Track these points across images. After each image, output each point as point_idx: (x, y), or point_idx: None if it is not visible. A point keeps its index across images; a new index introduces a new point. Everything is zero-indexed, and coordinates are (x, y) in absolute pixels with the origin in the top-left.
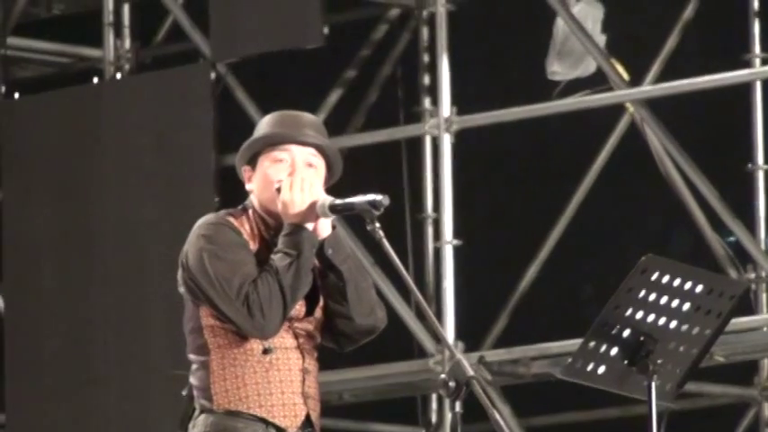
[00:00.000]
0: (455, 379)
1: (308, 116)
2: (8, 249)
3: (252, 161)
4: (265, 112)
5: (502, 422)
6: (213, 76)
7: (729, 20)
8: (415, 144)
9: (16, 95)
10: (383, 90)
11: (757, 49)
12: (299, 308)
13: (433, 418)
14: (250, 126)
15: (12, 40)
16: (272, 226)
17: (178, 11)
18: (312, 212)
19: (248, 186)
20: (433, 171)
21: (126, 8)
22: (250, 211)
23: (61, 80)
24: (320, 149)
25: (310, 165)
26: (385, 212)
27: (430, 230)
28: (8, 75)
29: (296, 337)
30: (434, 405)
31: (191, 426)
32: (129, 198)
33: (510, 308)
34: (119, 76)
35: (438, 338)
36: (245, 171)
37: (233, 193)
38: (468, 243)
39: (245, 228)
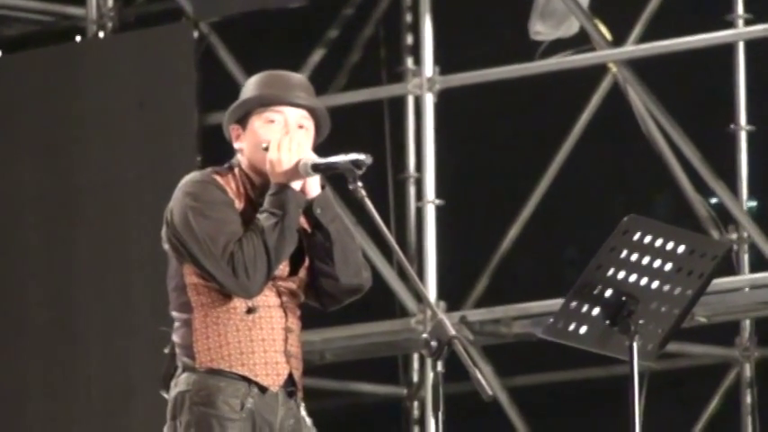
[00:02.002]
0: (437, 338)
1: (297, 77)
2: None
3: (242, 120)
4: (248, 71)
5: (483, 381)
6: (196, 34)
7: None
8: (398, 104)
9: None
10: (366, 49)
11: (740, 9)
12: (283, 267)
13: (415, 378)
14: (233, 85)
15: None
16: (257, 185)
17: None
18: (297, 172)
19: (236, 145)
20: (415, 131)
21: None
22: (236, 170)
23: (44, 38)
24: (311, 111)
25: (301, 126)
26: (367, 172)
27: (412, 190)
28: None
29: (279, 295)
30: (416, 365)
31: (173, 384)
32: (111, 156)
33: (492, 268)
34: (101, 34)
35: (420, 298)
36: (233, 129)
37: (216, 152)
38: (450, 203)
39: (230, 186)
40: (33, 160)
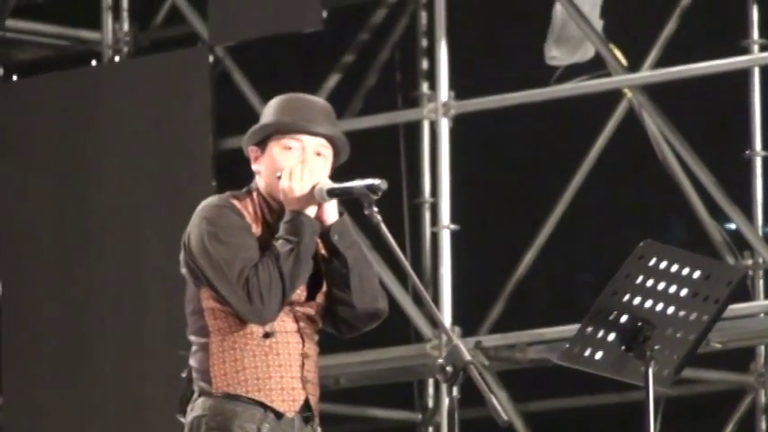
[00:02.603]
0: (452, 364)
1: (319, 103)
2: (5, 231)
3: (261, 143)
4: (263, 95)
5: (498, 407)
6: (211, 59)
7: (728, 5)
8: (413, 129)
9: (14, 78)
10: (381, 74)
11: (756, 35)
12: (300, 292)
13: (430, 403)
14: (248, 110)
15: (10, 23)
16: (275, 209)
17: None
18: (312, 198)
19: (254, 167)
20: (430, 156)
21: None
22: (254, 194)
23: (59, 63)
24: (329, 139)
25: (319, 154)
26: (383, 197)
27: (427, 215)
28: (7, 57)
29: (296, 320)
30: (431, 390)
31: (189, 408)
32: (126, 181)
33: (507, 293)
34: (117, 59)
35: (435, 323)
36: (251, 151)
37: (230, 177)
38: (466, 228)
39: (248, 210)
40: (49, 183)
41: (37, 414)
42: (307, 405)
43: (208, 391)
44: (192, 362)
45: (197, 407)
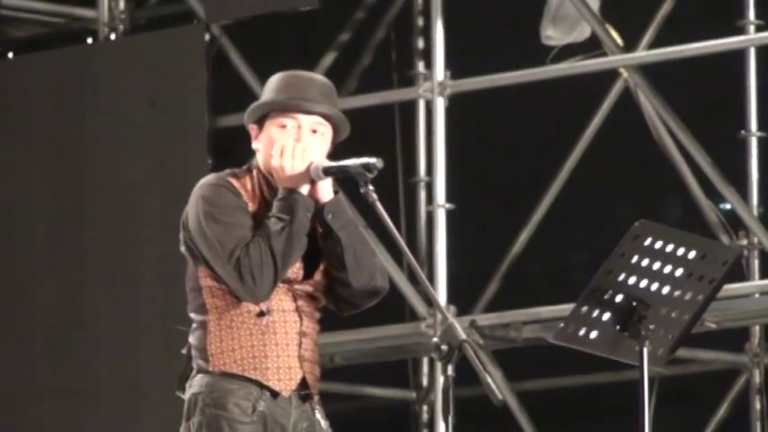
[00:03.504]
0: (447, 342)
1: (318, 80)
2: (1, 210)
3: (260, 121)
4: (259, 73)
5: (493, 386)
6: (207, 37)
7: None
8: (409, 108)
9: (10, 55)
10: (377, 53)
11: (752, 15)
12: (296, 270)
13: (425, 382)
14: (244, 88)
15: (6, 0)
16: (275, 187)
17: None
18: (306, 177)
19: (254, 144)
20: (426, 135)
21: None
22: (254, 171)
23: (55, 40)
24: (326, 117)
25: (315, 131)
26: (378, 176)
27: (422, 194)
28: (2, 34)
29: (295, 299)
30: (426, 368)
31: (187, 385)
32: (121, 159)
33: (502, 272)
34: (113, 36)
35: (430, 302)
36: (251, 129)
37: (226, 155)
38: (461, 207)
39: (246, 188)
40: (44, 161)
41: (32, 394)
42: (304, 384)
43: (205, 369)
44: (192, 339)
45: (195, 384)
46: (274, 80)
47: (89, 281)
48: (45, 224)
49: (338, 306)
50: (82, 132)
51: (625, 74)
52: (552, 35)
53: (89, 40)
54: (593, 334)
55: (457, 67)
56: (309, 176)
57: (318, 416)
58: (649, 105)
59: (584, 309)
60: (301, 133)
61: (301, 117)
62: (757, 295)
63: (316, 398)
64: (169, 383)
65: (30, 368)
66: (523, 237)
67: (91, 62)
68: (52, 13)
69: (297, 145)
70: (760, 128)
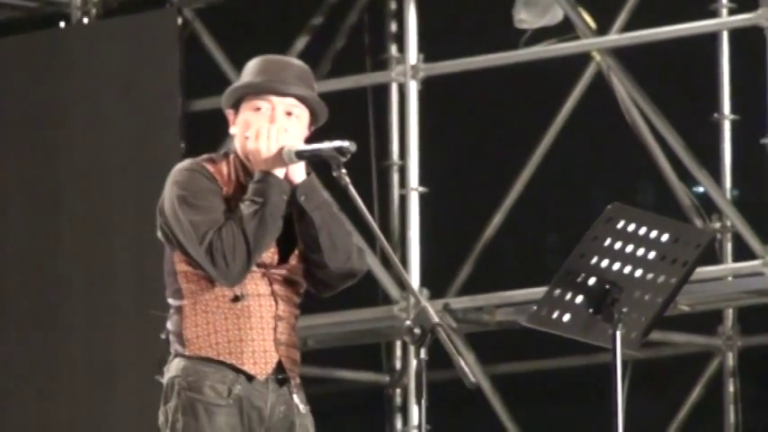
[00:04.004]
0: (420, 326)
1: (293, 63)
2: None
3: (235, 105)
4: (232, 58)
5: (466, 369)
6: (180, 21)
7: None
8: (382, 91)
9: None
10: (350, 37)
11: None
12: (271, 254)
13: (398, 365)
14: (217, 72)
15: None
16: (251, 171)
17: None
18: (280, 159)
19: (231, 130)
20: (399, 118)
21: None
22: (231, 156)
23: (28, 24)
24: (301, 99)
25: (290, 113)
26: (351, 159)
27: (395, 177)
28: None
29: (270, 283)
30: (399, 352)
31: (165, 369)
32: (95, 143)
33: (475, 255)
34: (86, 20)
35: (403, 285)
36: (228, 114)
37: (199, 139)
38: (434, 190)
39: (222, 173)
40: (17, 146)
41: (6, 376)
42: (281, 368)
43: (182, 354)
44: (169, 324)
45: (172, 368)
46: (250, 64)
47: (63, 265)
48: (19, 208)
49: (317, 288)
50: (55, 116)
51: (598, 57)
52: (525, 18)
53: (62, 24)
54: (566, 317)
55: (430, 50)
56: (283, 159)
57: (297, 399)
58: (622, 89)
59: (557, 292)
60: (275, 114)
61: (275, 99)
62: (730, 278)
63: (294, 382)
64: (144, 367)
65: (3, 352)
66: (496, 220)
67: (64, 46)
68: None
69: (271, 127)
70: (733, 111)
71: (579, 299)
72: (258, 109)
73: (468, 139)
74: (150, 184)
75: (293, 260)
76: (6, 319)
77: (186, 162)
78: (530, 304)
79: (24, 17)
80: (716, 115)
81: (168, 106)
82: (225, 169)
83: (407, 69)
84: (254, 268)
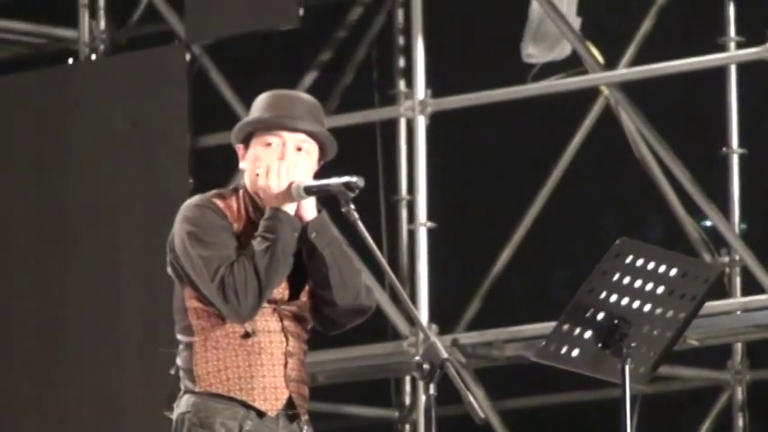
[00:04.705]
0: (429, 361)
1: (302, 99)
2: None
3: (245, 140)
4: (240, 93)
5: (475, 404)
6: (188, 57)
7: (705, 3)
8: (390, 126)
9: None
10: (358, 72)
11: (732, 32)
12: (282, 290)
13: (407, 401)
14: (225, 108)
15: None
16: (261, 207)
17: None
18: (290, 195)
19: (241, 165)
20: (407, 153)
21: None
22: (241, 192)
23: (36, 61)
24: (311, 135)
25: (300, 149)
26: (359, 194)
27: (404, 213)
28: None
29: (281, 319)
30: (408, 387)
31: (175, 405)
32: (103, 179)
33: (484, 291)
34: (94, 57)
35: (412, 321)
36: (238, 149)
37: (208, 175)
38: (442, 226)
39: (231, 209)
40: (25, 182)
41: (12, 410)
42: (291, 403)
43: (192, 390)
44: (179, 360)
45: (182, 404)
46: (260, 99)
47: (71, 300)
48: (27, 244)
49: (324, 325)
50: (64, 153)
51: (606, 91)
52: (533, 53)
53: (70, 61)
54: (575, 352)
55: (438, 85)
56: (291, 195)
57: None
58: (630, 123)
59: (566, 327)
60: (285, 150)
61: (286, 135)
62: (739, 312)
63: (304, 417)
64: (152, 403)
65: (12, 386)
66: (505, 255)
67: (72, 82)
68: (33, 34)
69: (282, 164)
70: (741, 145)
71: (588, 334)
72: (269, 144)
73: (476, 174)
74: (159, 219)
75: (303, 296)
76: (13, 354)
77: (196, 198)
78: (539, 339)
79: (32, 54)
80: (724, 149)
81: (176, 142)
82: (234, 205)
83: (416, 104)
84: (265, 304)
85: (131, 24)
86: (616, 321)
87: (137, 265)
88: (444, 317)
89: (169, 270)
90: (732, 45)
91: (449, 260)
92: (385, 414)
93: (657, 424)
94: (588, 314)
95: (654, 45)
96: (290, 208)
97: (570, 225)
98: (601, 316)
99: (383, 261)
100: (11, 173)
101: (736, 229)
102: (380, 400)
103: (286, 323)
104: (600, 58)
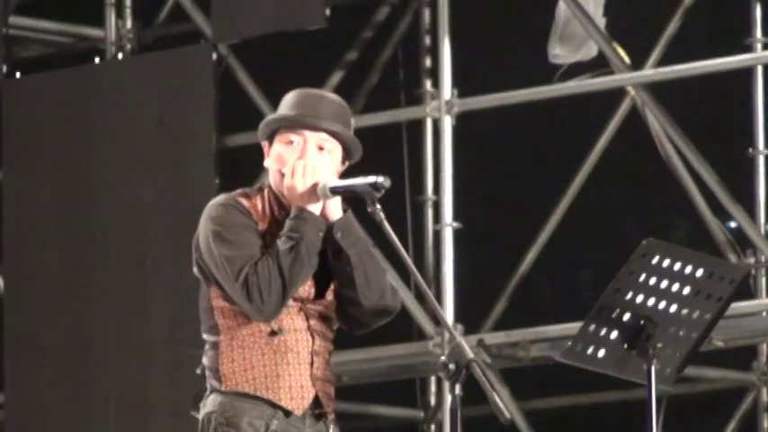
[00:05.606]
0: (455, 361)
1: (329, 98)
2: (8, 230)
3: (270, 138)
4: (267, 93)
5: (501, 405)
6: (215, 56)
7: (731, 4)
8: (416, 126)
9: (18, 75)
10: (384, 72)
11: (758, 33)
12: (308, 289)
13: (432, 401)
14: (251, 107)
15: (14, 20)
16: (285, 205)
17: None
18: (315, 195)
19: (266, 162)
20: (433, 153)
21: None
22: (266, 191)
23: (63, 60)
24: (333, 134)
25: (321, 148)
26: (385, 194)
27: (430, 213)
28: (10, 54)
29: (307, 318)
30: (433, 387)
31: (201, 405)
32: (129, 179)
33: (509, 291)
34: (120, 56)
35: (438, 321)
36: (264, 146)
37: (234, 175)
38: (468, 226)
39: (256, 208)
40: (52, 181)
41: (39, 413)
42: (317, 402)
43: (218, 389)
44: (205, 360)
45: (208, 403)
46: (287, 97)
47: (97, 301)
48: (54, 242)
49: (349, 325)
50: (90, 152)
51: (632, 92)
52: (560, 53)
53: (96, 60)
54: (601, 352)
55: (464, 85)
56: (317, 195)
57: None
58: (656, 123)
59: (592, 327)
60: (306, 149)
61: (307, 133)
62: (765, 313)
63: (330, 416)
64: (178, 403)
65: (39, 388)
66: (531, 255)
67: (98, 82)
68: (59, 33)
69: (306, 163)
70: (767, 146)
71: (614, 334)
72: (290, 142)
73: (502, 174)
74: (185, 219)
75: (329, 295)
76: (40, 354)
77: (221, 197)
78: (564, 340)
79: (59, 53)
80: (750, 150)
81: (203, 141)
82: (259, 204)
83: (442, 105)
84: (291, 302)
85: (158, 24)
86: (642, 322)
87: (163, 265)
88: (470, 317)
89: (195, 269)
90: (759, 46)
91: (475, 260)
92: (410, 414)
93: (683, 425)
94: (614, 315)
95: (680, 46)
96: (315, 208)
97: (596, 225)
98: (627, 317)
99: (409, 261)
100: (38, 171)
101: (762, 230)
102: (406, 400)
103: (312, 322)
104: (626, 59)
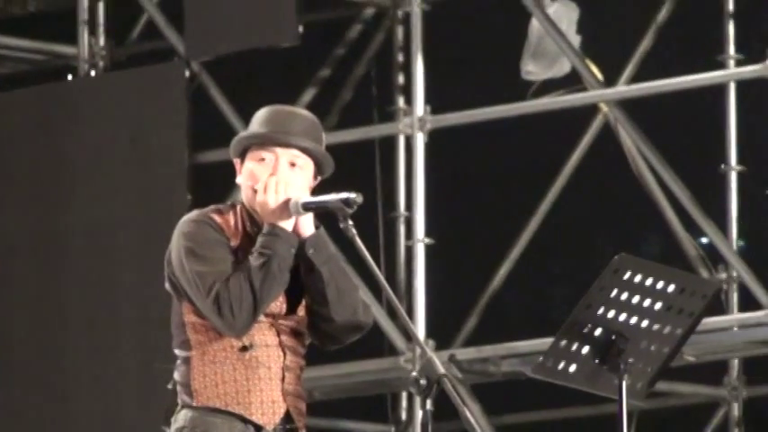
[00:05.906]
0: (426, 377)
1: (300, 114)
2: None
3: (242, 155)
4: (240, 110)
5: (472, 420)
6: (187, 74)
7: (703, 20)
8: (389, 143)
9: None
10: (357, 89)
11: (731, 50)
12: (280, 305)
13: (403, 416)
14: (224, 124)
15: None
16: (258, 222)
17: (153, 9)
18: (287, 211)
19: (238, 179)
20: (405, 170)
21: (101, 6)
22: (239, 207)
23: (36, 77)
24: (305, 151)
25: (293, 164)
26: (357, 210)
27: (402, 229)
28: None
29: (278, 334)
30: (404, 403)
31: (172, 420)
32: (102, 195)
33: (481, 306)
34: (93, 73)
35: (409, 336)
36: (236, 163)
37: (206, 191)
38: (440, 242)
39: (228, 224)
40: (23, 198)
41: (11, 426)
42: (289, 418)
43: (190, 404)
44: (176, 375)
45: (179, 419)
46: (258, 114)
47: (69, 317)
48: (25, 258)
49: (322, 341)
50: (63, 168)
51: (605, 108)
52: (532, 70)
53: (69, 77)
54: (573, 368)
55: (437, 102)
56: (290, 211)
57: None
58: (629, 140)
59: (563, 342)
60: (278, 166)
61: (279, 150)
62: (736, 329)
63: (302, 431)
64: (149, 418)
65: (10, 402)
66: (502, 271)
67: (71, 99)
68: (32, 50)
69: (278, 180)
70: (739, 162)
71: (585, 349)
72: (262, 159)
73: (474, 190)
74: (157, 235)
75: (301, 311)
76: (10, 372)
77: (193, 213)
78: (536, 355)
79: (32, 70)
80: (723, 166)
81: (175, 158)
82: (232, 220)
83: (414, 121)
84: (263, 318)
85: (131, 41)
86: (613, 337)
87: (135, 280)
88: (441, 333)
89: (167, 285)
90: (731, 62)
91: (446, 276)
92: (382, 430)
93: None
94: (586, 330)
95: (653, 62)
96: (287, 224)
97: (568, 241)
98: (598, 331)
99: (381, 277)
100: (10, 187)
101: (734, 246)
102: (377, 415)
103: (283, 338)
104: (599, 76)
